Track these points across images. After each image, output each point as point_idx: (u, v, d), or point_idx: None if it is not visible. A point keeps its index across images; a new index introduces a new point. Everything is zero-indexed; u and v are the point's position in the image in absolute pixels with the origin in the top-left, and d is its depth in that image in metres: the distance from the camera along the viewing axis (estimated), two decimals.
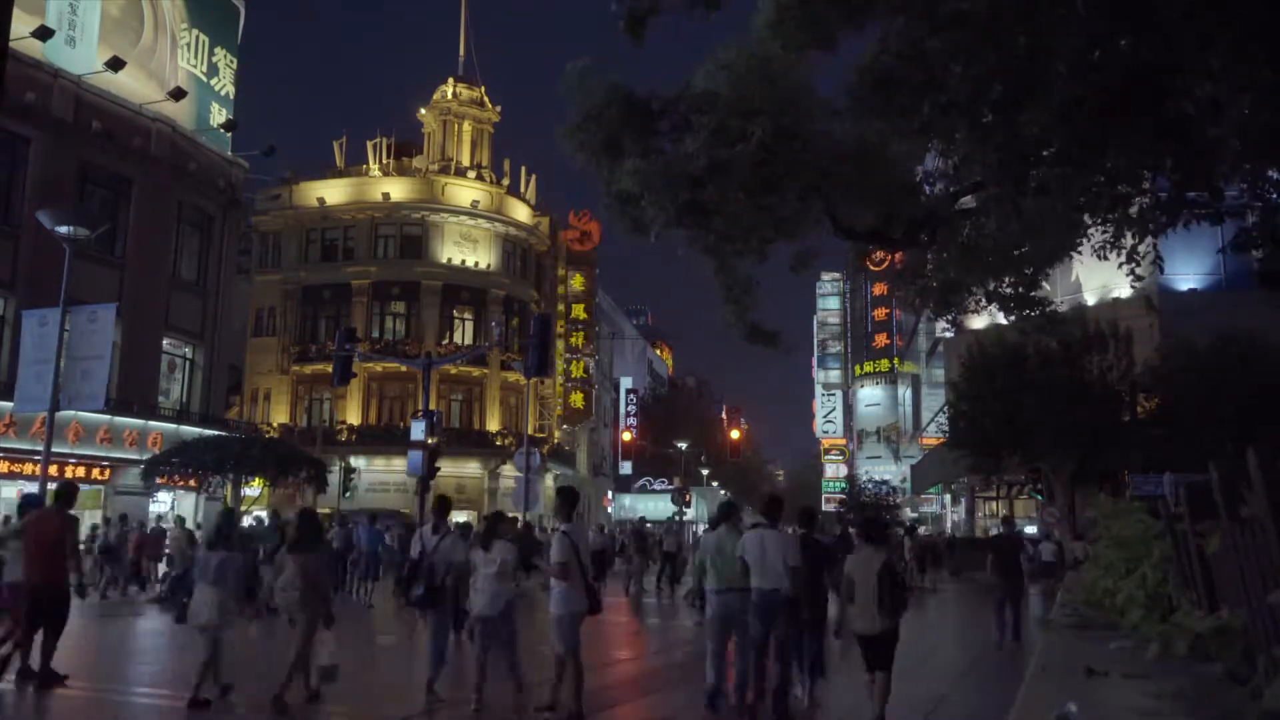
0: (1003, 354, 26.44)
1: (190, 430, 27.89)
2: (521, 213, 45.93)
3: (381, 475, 38.97)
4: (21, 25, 23.53)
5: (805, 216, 8.23)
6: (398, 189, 42.78)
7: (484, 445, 41.68)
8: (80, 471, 25.31)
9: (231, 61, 33.86)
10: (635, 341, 76.58)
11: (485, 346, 39.97)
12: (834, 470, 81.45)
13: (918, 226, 8.39)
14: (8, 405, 20.06)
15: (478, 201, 43.52)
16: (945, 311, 9.74)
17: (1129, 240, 7.33)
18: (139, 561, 20.86)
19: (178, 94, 29.51)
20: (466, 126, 45.36)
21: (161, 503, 28.44)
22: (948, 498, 50.86)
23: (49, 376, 16.20)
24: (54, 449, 16.75)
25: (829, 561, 9.60)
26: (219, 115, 32.66)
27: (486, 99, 46.53)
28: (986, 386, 26.85)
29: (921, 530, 43.52)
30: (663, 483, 58.58)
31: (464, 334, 43.13)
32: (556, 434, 48.50)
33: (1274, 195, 6.95)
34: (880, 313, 70.87)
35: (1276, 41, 5.14)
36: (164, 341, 29.63)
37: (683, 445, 53.77)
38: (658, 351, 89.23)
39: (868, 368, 75.01)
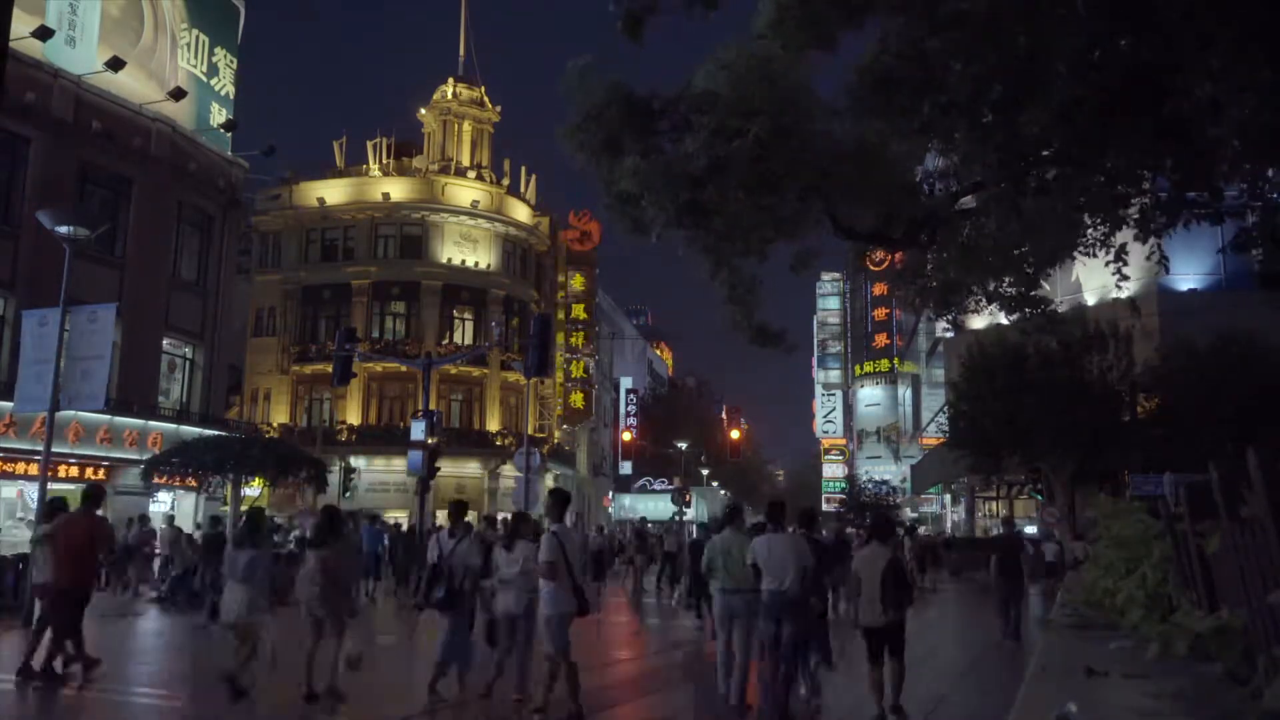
0: (1003, 354, 26.45)
1: (190, 430, 27.89)
2: (521, 213, 45.93)
3: (381, 475, 38.98)
4: (21, 25, 23.53)
5: (805, 216, 8.22)
6: (398, 189, 42.79)
7: (484, 445, 41.68)
8: (80, 471, 25.33)
9: (231, 61, 33.86)
10: (635, 341, 76.60)
11: (485, 346, 39.97)
12: (834, 470, 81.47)
13: (918, 226, 8.39)
14: (8, 405, 20.05)
15: (478, 201, 43.53)
16: (945, 311, 9.73)
17: (1117, 239, 7.35)
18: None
19: (178, 94, 29.51)
20: (466, 126, 45.36)
21: (161, 503, 28.44)
22: (948, 498, 50.88)
23: (49, 376, 16.19)
24: (54, 449, 16.74)
25: (830, 560, 9.76)
26: (219, 115, 32.66)
27: (486, 99, 46.53)
28: (986, 386, 26.86)
29: (921, 530, 43.52)
30: (663, 483, 58.62)
31: (464, 334, 43.14)
32: (556, 434, 48.51)
33: (1274, 195, 6.96)
34: (880, 313, 70.90)
35: (1276, 41, 5.15)
36: (164, 341, 29.63)
37: (683, 445, 53.77)
38: (658, 351, 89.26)
39: (868, 368, 75.04)
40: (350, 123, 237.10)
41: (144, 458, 25.21)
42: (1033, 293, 8.93)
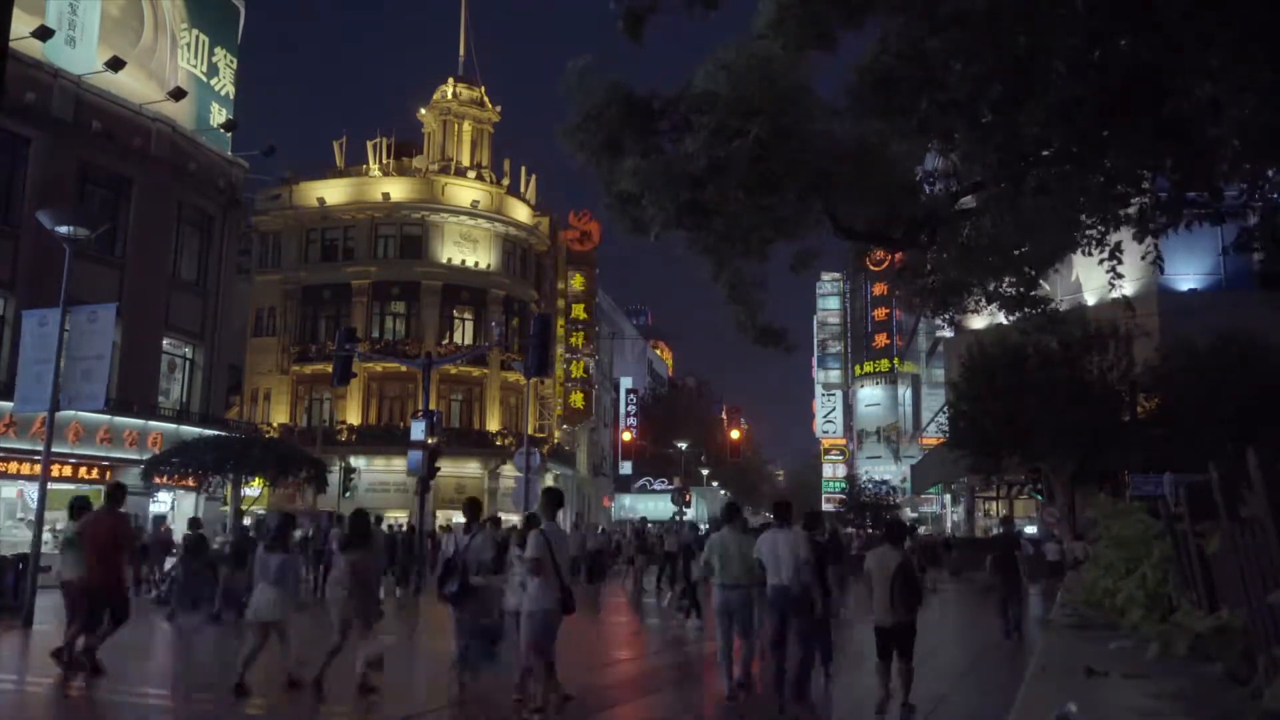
0: (1003, 354, 26.45)
1: (190, 430, 27.89)
2: (521, 213, 45.93)
3: (381, 475, 38.99)
4: (21, 25, 23.53)
5: (805, 216, 8.22)
6: (398, 189, 42.79)
7: (484, 445, 41.69)
8: (80, 471, 25.34)
9: (231, 61, 33.86)
10: (635, 341, 76.60)
11: (485, 346, 39.97)
12: (834, 470, 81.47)
13: (918, 226, 8.38)
14: (8, 405, 20.05)
15: (478, 201, 43.53)
16: (945, 311, 9.73)
17: (1113, 239, 7.35)
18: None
19: (178, 94, 29.52)
20: (466, 126, 45.36)
21: (161, 503, 28.45)
22: (948, 498, 50.88)
23: (49, 376, 16.20)
24: (54, 449, 16.75)
25: (832, 559, 9.97)
26: (219, 115, 32.66)
27: (486, 99, 46.53)
28: (986, 386, 26.86)
29: (921, 530, 43.53)
30: (663, 483, 58.67)
31: (464, 334, 43.14)
32: (556, 434, 48.51)
33: (1274, 195, 6.95)
34: (880, 313, 70.91)
35: (1276, 41, 5.14)
36: (164, 341, 29.63)
37: (683, 445, 53.81)
38: (658, 351, 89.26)
39: (868, 368, 75.04)
40: (350, 123, 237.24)
41: (144, 458, 25.22)
42: (1033, 293, 8.93)
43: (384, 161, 44.01)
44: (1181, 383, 24.03)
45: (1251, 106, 5.17)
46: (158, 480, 24.80)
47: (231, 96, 33.82)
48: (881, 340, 71.95)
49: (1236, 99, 5.19)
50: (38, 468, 17.40)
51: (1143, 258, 6.90)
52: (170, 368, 30.40)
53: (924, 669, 9.91)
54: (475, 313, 43.32)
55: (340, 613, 9.22)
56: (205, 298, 31.37)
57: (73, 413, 21.77)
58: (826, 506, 64.92)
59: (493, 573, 9.37)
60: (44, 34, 24.78)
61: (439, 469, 24.82)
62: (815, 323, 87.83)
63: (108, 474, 26.16)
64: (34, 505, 17.33)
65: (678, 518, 45.33)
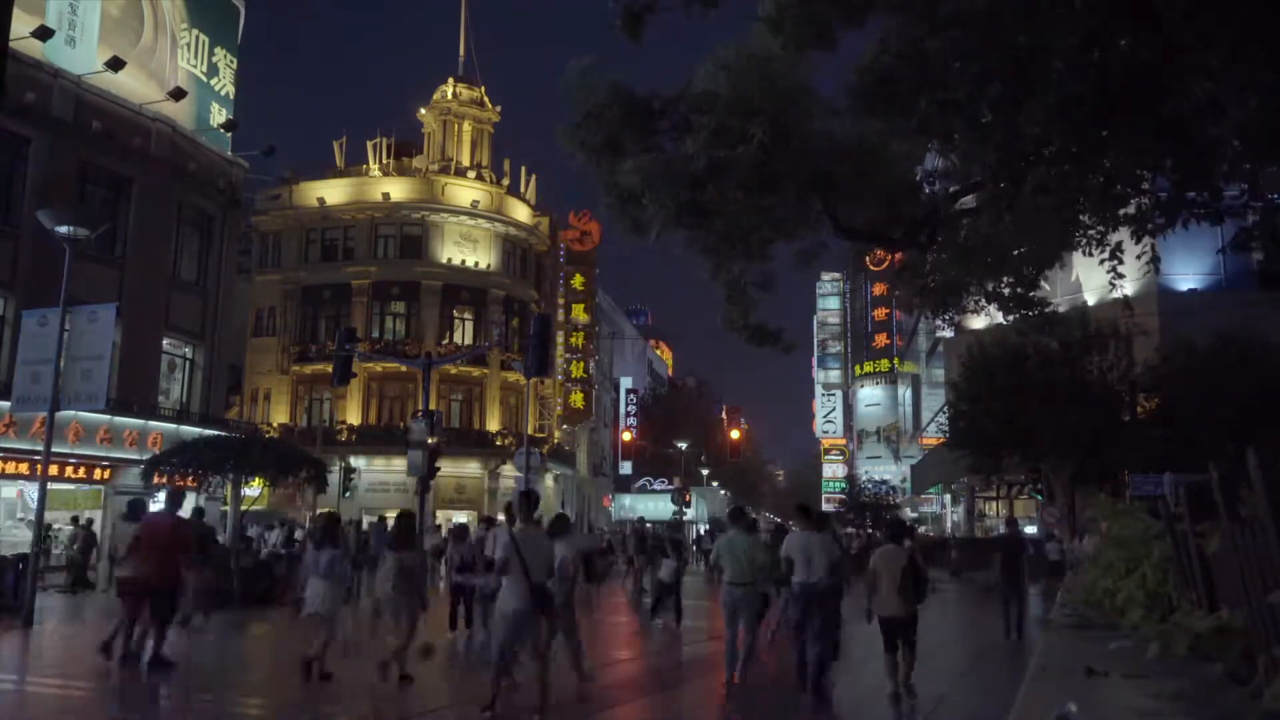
0: (1003, 354, 26.42)
1: (190, 430, 27.88)
2: (521, 213, 45.93)
3: (381, 475, 38.98)
4: (21, 25, 23.53)
5: (805, 216, 8.23)
6: (398, 189, 42.79)
7: (484, 445, 41.68)
8: (80, 471, 25.33)
9: (231, 61, 33.85)
10: (635, 341, 76.57)
11: (485, 346, 39.97)
12: (834, 470, 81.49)
13: (918, 226, 8.39)
14: (8, 405, 20.06)
15: (478, 201, 43.52)
16: (944, 312, 9.75)
17: (1113, 238, 7.35)
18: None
19: (178, 94, 29.51)
20: (466, 126, 45.36)
21: (159, 503, 28.42)
22: (948, 498, 50.87)
23: (45, 376, 16.19)
24: (54, 449, 16.74)
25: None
26: (219, 115, 32.65)
27: (486, 99, 46.53)
28: (986, 386, 26.83)
29: (922, 530, 43.54)
30: (663, 483, 58.63)
31: (464, 334, 43.14)
32: (556, 434, 48.51)
33: (1274, 195, 6.95)
34: (880, 313, 70.92)
35: (1276, 41, 5.14)
36: (164, 341, 29.62)
37: (683, 445, 53.78)
38: (658, 351, 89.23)
39: (868, 368, 75.06)
40: (350, 123, 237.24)
41: (144, 458, 25.17)
42: (1031, 293, 8.94)
43: (384, 161, 44.00)
44: (1181, 383, 24.00)
45: (1251, 106, 5.17)
46: (158, 480, 24.78)
47: (231, 96, 33.81)
48: (881, 340, 71.96)
49: (1236, 99, 5.18)
50: (38, 468, 17.39)
51: (1138, 257, 6.91)
52: (170, 368, 30.39)
53: (924, 669, 9.95)
54: (475, 313, 43.33)
55: (392, 609, 9.78)
56: (205, 298, 31.36)
57: (73, 413, 21.77)
58: (826, 506, 64.87)
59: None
60: (44, 34, 24.77)
61: (439, 469, 24.80)
62: (815, 323, 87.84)
63: (107, 474, 26.17)
64: (34, 505, 17.33)
65: (676, 517, 45.40)
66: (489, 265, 43.72)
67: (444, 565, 17.74)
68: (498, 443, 41.49)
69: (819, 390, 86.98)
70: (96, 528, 23.39)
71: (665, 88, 7.89)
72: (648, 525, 36.41)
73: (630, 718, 9.61)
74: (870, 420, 76.00)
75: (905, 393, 67.59)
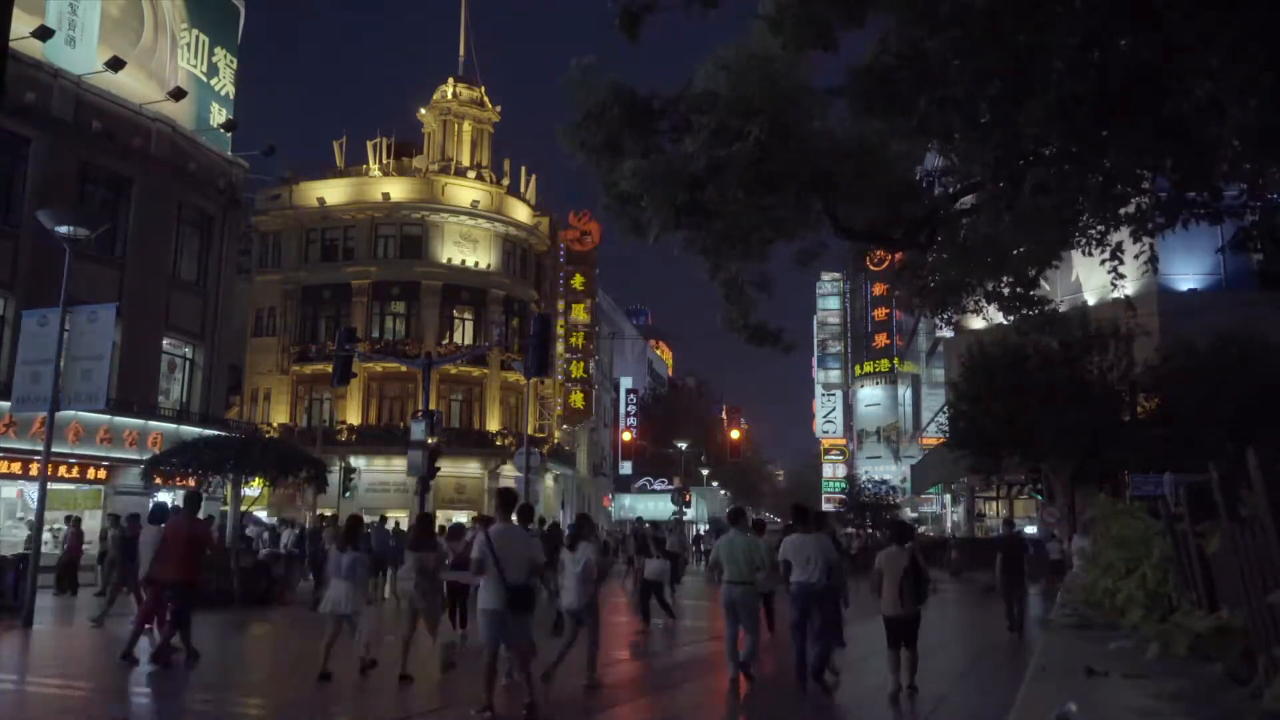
0: (1003, 354, 26.42)
1: (190, 430, 27.88)
2: (521, 213, 45.93)
3: (381, 475, 38.98)
4: (21, 25, 23.53)
5: (805, 216, 8.23)
6: (398, 189, 42.78)
7: (484, 445, 41.68)
8: (80, 472, 25.34)
9: (231, 61, 33.86)
10: (635, 341, 76.57)
11: (485, 346, 39.98)
12: (834, 470, 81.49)
13: (918, 226, 8.38)
14: (8, 405, 20.06)
15: (478, 201, 43.52)
16: (943, 311, 9.74)
17: (1114, 238, 7.35)
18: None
19: (178, 94, 29.51)
20: (466, 126, 45.35)
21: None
22: (948, 498, 50.86)
23: (45, 376, 16.19)
24: (54, 449, 16.74)
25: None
26: (219, 115, 32.66)
27: (486, 99, 46.52)
28: (986, 386, 26.83)
29: (922, 530, 43.53)
30: (663, 483, 58.63)
31: (464, 334, 43.13)
32: (556, 434, 48.51)
33: (1274, 195, 6.95)
34: (880, 313, 70.92)
35: (1276, 41, 5.14)
36: (164, 341, 29.63)
37: (683, 445, 53.79)
38: (658, 351, 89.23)
39: (868, 368, 75.05)
40: (350, 123, 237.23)
41: (144, 458, 25.18)
42: (1031, 293, 8.94)
43: (384, 161, 44.00)
44: (1181, 383, 24.00)
45: (1251, 106, 5.17)
46: (158, 480, 24.78)
47: (231, 96, 33.81)
48: (881, 340, 71.96)
49: (1236, 99, 5.18)
50: (37, 468, 17.39)
51: (1136, 256, 6.91)
52: (170, 368, 30.40)
53: (924, 669, 9.96)
54: (475, 313, 43.32)
55: (411, 604, 10.16)
56: (205, 298, 31.36)
57: (73, 413, 21.77)
58: (826, 506, 64.89)
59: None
60: (44, 34, 24.78)
61: (439, 469, 24.81)
62: (815, 323, 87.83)
63: (107, 474, 26.18)
64: (34, 505, 17.33)
65: (676, 517, 45.39)
66: (489, 265, 43.72)
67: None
68: (498, 443, 41.49)
69: (819, 390, 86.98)
70: (85, 526, 23.13)
71: (665, 88, 7.89)
72: (647, 525, 36.38)
73: (630, 718, 9.61)
74: (870, 420, 76.00)
75: (905, 393, 67.59)
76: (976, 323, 25.05)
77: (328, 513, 26.19)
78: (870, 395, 76.30)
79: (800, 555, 9.71)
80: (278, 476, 25.71)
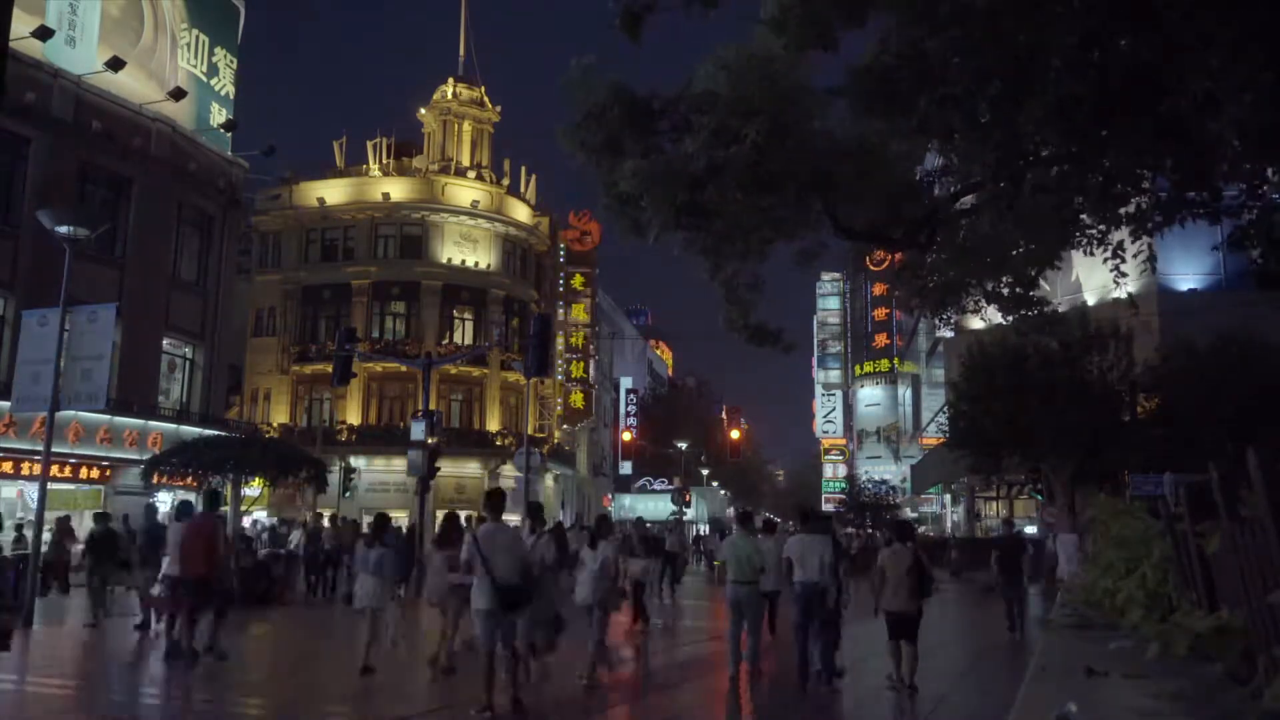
0: (1003, 354, 26.41)
1: (190, 430, 27.89)
2: (521, 213, 45.93)
3: (381, 475, 38.98)
4: (21, 25, 23.53)
5: (805, 216, 8.22)
6: (398, 189, 42.78)
7: (484, 445, 41.67)
8: (80, 471, 25.33)
9: (231, 61, 33.86)
10: (635, 341, 76.56)
11: (485, 346, 39.97)
12: (834, 470, 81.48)
13: (918, 226, 8.38)
14: (8, 405, 20.06)
15: (478, 201, 43.52)
16: (943, 311, 9.74)
17: (1115, 237, 7.35)
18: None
19: (178, 94, 29.51)
20: (466, 126, 45.35)
21: (162, 503, 28.41)
22: (948, 498, 50.85)
23: (46, 376, 16.19)
24: (54, 449, 16.73)
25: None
26: (219, 115, 32.66)
27: (486, 99, 46.52)
28: (986, 387, 26.81)
29: (922, 530, 43.51)
30: (663, 483, 58.61)
31: (464, 334, 43.13)
32: (556, 434, 48.51)
33: (1274, 195, 6.95)
34: (880, 313, 70.90)
35: (1276, 41, 5.14)
36: (164, 341, 29.63)
37: (683, 445, 53.77)
38: (658, 351, 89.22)
39: (868, 368, 75.04)
40: (350, 123, 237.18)
41: (144, 458, 25.20)
42: (1031, 293, 8.93)
43: (384, 161, 43.99)
44: (1181, 383, 23.97)
45: (1251, 106, 5.17)
46: (158, 480, 24.79)
47: (231, 96, 33.82)
48: (881, 340, 71.95)
49: (1236, 99, 5.18)
50: (38, 468, 17.39)
51: (1134, 255, 6.90)
52: (170, 368, 30.40)
53: (924, 669, 9.97)
54: (475, 313, 43.32)
55: (439, 601, 10.43)
56: (205, 298, 31.36)
57: (73, 413, 21.77)
58: (826, 506, 64.89)
59: (554, 571, 10.21)
60: (44, 34, 24.78)
61: (439, 469, 24.81)
62: (815, 323, 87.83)
63: (107, 474, 26.18)
64: (34, 505, 17.32)
65: (674, 517, 45.38)
66: (489, 265, 43.72)
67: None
68: (498, 443, 41.48)
69: (819, 390, 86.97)
70: (75, 524, 22.99)
71: (665, 88, 7.88)
72: (648, 525, 36.38)
73: (630, 718, 9.61)
74: (870, 420, 75.99)
75: (905, 393, 67.57)
76: (976, 323, 25.06)
77: (326, 513, 26.18)
78: (870, 395, 76.29)
79: (802, 555, 9.99)
80: (278, 476, 25.74)
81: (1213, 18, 5.19)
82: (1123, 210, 7.12)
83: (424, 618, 12.73)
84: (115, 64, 26.89)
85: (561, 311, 48.83)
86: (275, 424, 40.67)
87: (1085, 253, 7.66)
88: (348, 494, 32.29)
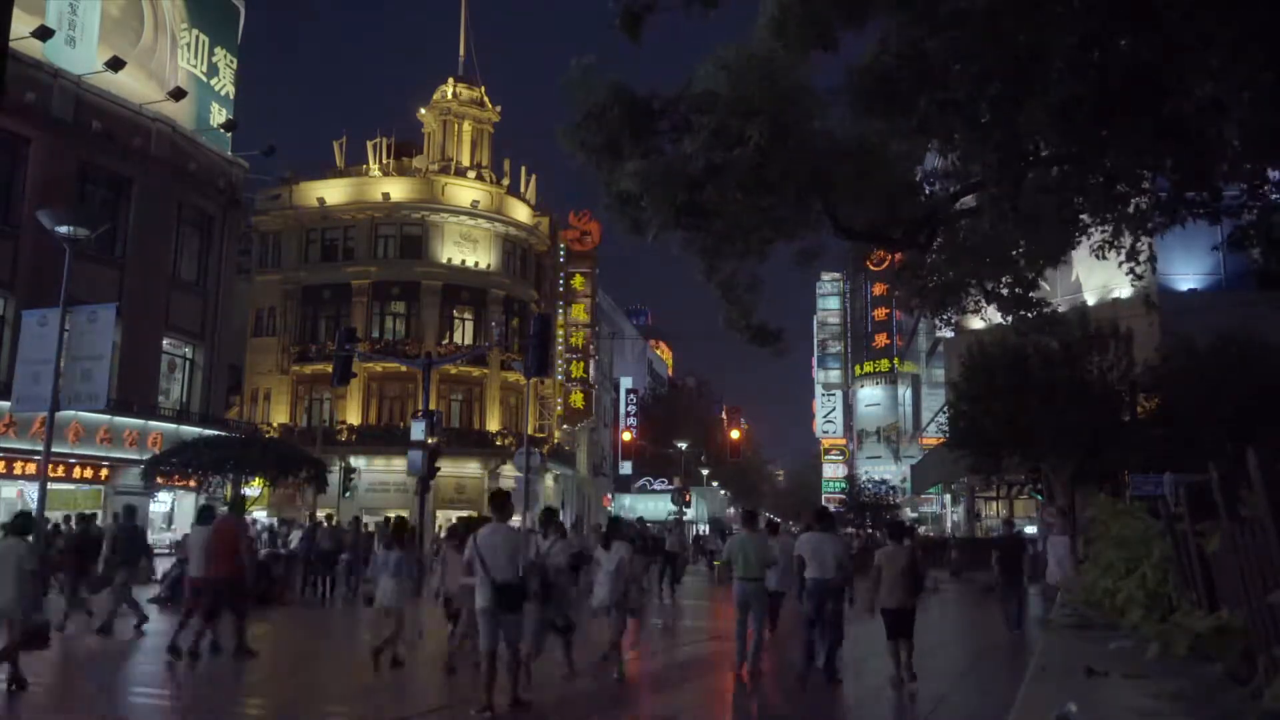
0: (1003, 354, 26.40)
1: (190, 430, 27.89)
2: (521, 213, 45.93)
3: (381, 475, 38.98)
4: (21, 25, 23.52)
5: (804, 216, 8.23)
6: (398, 189, 42.78)
7: (484, 445, 41.68)
8: (80, 472, 25.33)
9: (231, 61, 33.86)
10: (635, 341, 76.55)
11: (485, 346, 39.95)
12: (834, 470, 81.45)
13: (918, 226, 8.39)
14: (7, 405, 20.05)
15: (478, 201, 43.52)
16: (943, 311, 9.76)
17: (1127, 239, 7.35)
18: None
19: (178, 94, 29.51)
20: (466, 126, 45.34)
21: (162, 503, 28.45)
22: (948, 498, 50.84)
23: (46, 377, 16.16)
24: (54, 449, 16.72)
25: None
26: (219, 115, 32.66)
27: (486, 99, 46.51)
28: (986, 386, 26.80)
29: (922, 530, 43.50)
30: (663, 483, 58.62)
31: (464, 334, 43.13)
32: (556, 434, 48.51)
33: (1274, 195, 6.96)
34: (880, 313, 70.87)
35: (1276, 41, 5.14)
36: (164, 341, 29.63)
37: (683, 445, 53.76)
38: (658, 351, 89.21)
39: (868, 368, 75.02)
40: (350, 123, 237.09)
41: (144, 458, 25.21)
42: (1031, 293, 8.94)
43: (384, 161, 43.98)
44: (1181, 383, 23.96)
45: (1251, 106, 5.17)
46: (158, 480, 24.80)
47: (231, 96, 33.82)
48: (881, 340, 71.92)
49: (1236, 99, 5.19)
50: (37, 468, 17.37)
51: (1134, 255, 6.90)
52: (170, 368, 30.40)
53: (924, 669, 9.98)
54: (475, 313, 43.31)
55: (459, 601, 10.46)
56: (205, 298, 31.36)
57: (73, 413, 21.76)
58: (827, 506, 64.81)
59: (567, 574, 10.41)
60: (44, 34, 24.78)
61: (439, 469, 24.81)
62: (815, 323, 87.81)
63: (107, 474, 26.18)
64: (34, 505, 17.30)
65: (673, 517, 45.41)
66: (489, 265, 43.72)
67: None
68: (498, 443, 41.49)
69: (819, 390, 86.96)
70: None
71: (665, 88, 7.88)
72: (648, 525, 36.39)
73: (630, 717, 9.61)
74: (870, 420, 75.97)
75: (905, 393, 67.55)
76: (976, 323, 25.06)
77: (323, 514, 26.18)
78: (870, 395, 76.27)
79: (815, 553, 10.30)
80: (278, 476, 25.74)
81: (1213, 18, 5.19)
82: (1123, 210, 7.12)
83: (423, 617, 12.71)
84: (115, 64, 26.89)
85: (561, 311, 48.83)
86: (275, 424, 40.67)
87: (1099, 256, 7.67)
88: (348, 494, 32.29)
